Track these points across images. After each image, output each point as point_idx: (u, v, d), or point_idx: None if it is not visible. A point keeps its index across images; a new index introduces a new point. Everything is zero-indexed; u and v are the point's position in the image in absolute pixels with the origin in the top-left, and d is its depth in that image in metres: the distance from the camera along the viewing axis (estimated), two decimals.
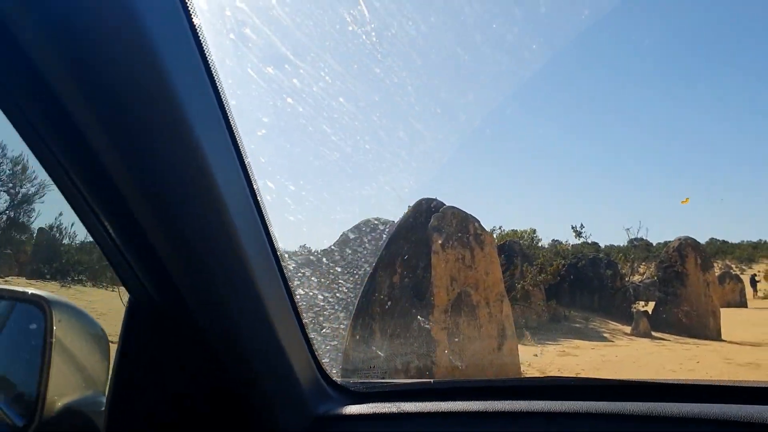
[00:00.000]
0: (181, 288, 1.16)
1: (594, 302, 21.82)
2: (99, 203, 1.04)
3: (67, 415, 1.52)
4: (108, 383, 1.38)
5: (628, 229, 26.09)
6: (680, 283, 19.88)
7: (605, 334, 18.33)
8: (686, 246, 20.42)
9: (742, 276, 38.15)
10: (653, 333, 18.41)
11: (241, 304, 1.22)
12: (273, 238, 1.28)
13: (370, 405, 1.50)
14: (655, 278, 21.54)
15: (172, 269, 1.13)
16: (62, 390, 1.54)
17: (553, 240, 26.37)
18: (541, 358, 12.92)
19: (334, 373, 1.61)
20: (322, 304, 2.09)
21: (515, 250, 21.01)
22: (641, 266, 24.44)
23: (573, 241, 25.00)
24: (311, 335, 1.49)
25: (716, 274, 34.93)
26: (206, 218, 1.08)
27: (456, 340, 9.69)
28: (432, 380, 1.66)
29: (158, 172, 0.99)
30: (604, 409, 1.31)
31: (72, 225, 19.95)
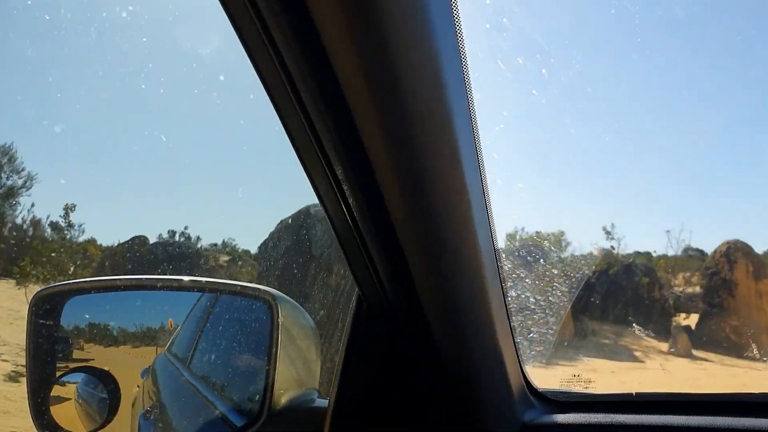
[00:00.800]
0: (417, 286, 1.18)
1: (628, 315, 18.95)
2: (354, 193, 1.07)
3: (290, 412, 1.52)
4: (332, 380, 1.41)
5: (668, 231, 22.63)
6: (728, 293, 17.07)
7: (637, 353, 15.83)
8: (736, 250, 17.69)
9: None
10: (694, 352, 15.65)
11: (471, 306, 1.25)
12: (495, 238, 1.28)
13: (576, 415, 1.47)
14: (700, 288, 18.47)
15: (414, 266, 1.15)
16: (286, 387, 1.53)
17: (601, 248, 23.37)
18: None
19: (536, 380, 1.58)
20: (532, 307, 2.02)
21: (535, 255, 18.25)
22: (689, 275, 21.35)
23: (605, 244, 21.94)
24: (517, 339, 1.45)
25: None
26: (451, 217, 1.10)
27: None
28: (634, 392, 1.56)
29: (416, 163, 1.00)
30: None
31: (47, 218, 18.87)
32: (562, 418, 1.46)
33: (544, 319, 2.06)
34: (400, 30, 0.83)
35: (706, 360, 15.94)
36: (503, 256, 1.42)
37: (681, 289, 21.65)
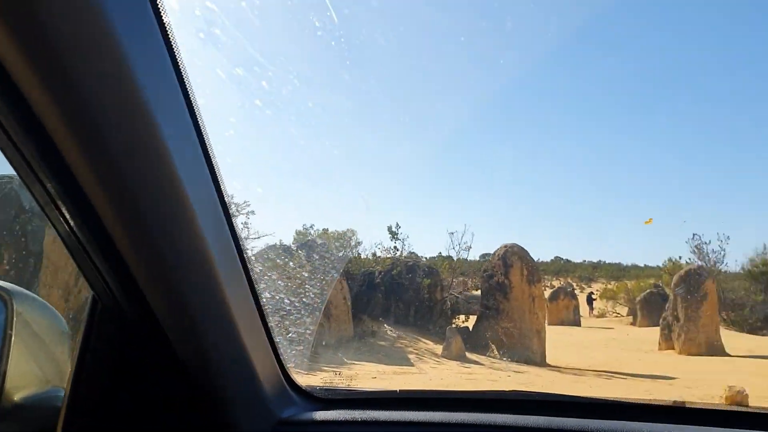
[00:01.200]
0: (145, 290, 1.17)
1: (410, 316, 18.11)
2: (65, 201, 1.04)
3: (23, 409, 1.46)
4: (68, 379, 1.36)
5: (452, 233, 22.40)
6: (503, 296, 16.88)
7: (411, 356, 15.03)
8: (512, 254, 17.66)
9: (581, 294, 36.93)
10: (468, 355, 15.29)
11: (206, 307, 1.23)
12: (240, 240, 1.28)
13: (336, 412, 1.52)
14: (478, 290, 18.29)
15: (135, 270, 1.13)
16: (20, 384, 1.47)
17: (386, 249, 22.47)
18: None
19: (299, 379, 1.59)
20: (288, 308, 2.18)
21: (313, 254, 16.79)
22: (471, 278, 21.18)
23: (389, 244, 21.19)
24: (277, 339, 1.45)
25: (552, 288, 32.75)
26: (173, 219, 1.08)
27: None
28: (398, 390, 1.69)
29: (124, 168, 0.98)
30: (566, 426, 1.36)
31: None
32: (321, 414, 1.49)
33: (301, 319, 2.21)
34: (95, 33, 0.81)
35: (477, 363, 15.84)
36: (253, 258, 1.57)
37: (460, 291, 21.59)
